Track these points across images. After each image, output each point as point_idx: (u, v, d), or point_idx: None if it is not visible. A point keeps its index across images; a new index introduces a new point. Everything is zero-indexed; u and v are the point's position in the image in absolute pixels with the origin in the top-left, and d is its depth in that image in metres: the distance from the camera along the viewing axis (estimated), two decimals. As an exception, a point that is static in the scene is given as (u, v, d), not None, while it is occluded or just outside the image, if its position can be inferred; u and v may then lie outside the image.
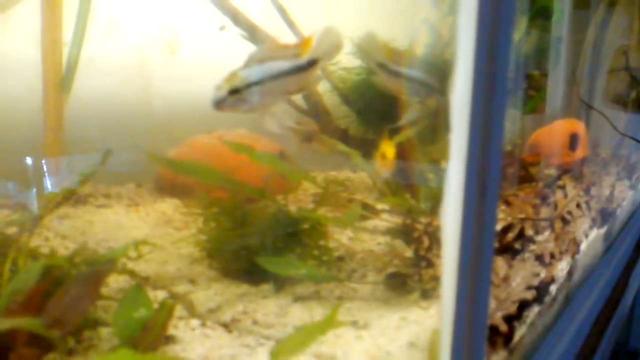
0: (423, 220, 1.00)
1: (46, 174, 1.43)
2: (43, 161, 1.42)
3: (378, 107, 1.54)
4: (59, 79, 1.50)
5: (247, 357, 0.84)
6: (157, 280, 1.11)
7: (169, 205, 1.54)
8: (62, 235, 1.29)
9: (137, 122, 1.75)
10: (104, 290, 1.01)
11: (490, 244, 0.75)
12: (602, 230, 1.75)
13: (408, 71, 1.19)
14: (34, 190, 1.28)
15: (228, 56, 1.76)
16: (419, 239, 0.98)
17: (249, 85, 0.95)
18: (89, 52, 1.60)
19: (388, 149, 1.04)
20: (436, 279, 0.97)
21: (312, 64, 1.01)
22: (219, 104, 0.97)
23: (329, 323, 0.66)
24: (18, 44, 1.49)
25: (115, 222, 1.40)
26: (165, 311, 0.76)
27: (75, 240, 1.27)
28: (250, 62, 0.97)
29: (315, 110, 1.57)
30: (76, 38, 1.49)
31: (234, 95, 0.95)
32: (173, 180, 1.62)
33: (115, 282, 1.06)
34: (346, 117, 1.62)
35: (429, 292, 0.99)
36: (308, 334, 0.67)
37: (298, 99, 1.67)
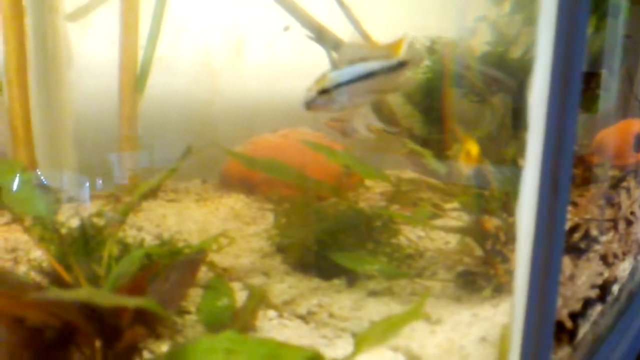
0: (496, 218, 1.01)
1: (124, 168, 1.51)
2: (121, 156, 1.49)
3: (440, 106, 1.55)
4: (134, 79, 1.57)
5: (325, 348, 0.87)
6: (233, 272, 1.15)
7: (234, 201, 1.58)
8: (137, 227, 1.35)
9: (204, 120, 1.81)
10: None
11: (561, 241, 0.77)
12: (669, 232, 1.71)
13: (486, 69, 1.21)
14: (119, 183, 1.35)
15: (293, 56, 1.81)
16: (496, 235, 0.99)
17: (338, 86, 0.99)
18: (159, 53, 1.67)
19: (472, 147, 1.05)
20: (510, 273, 0.98)
21: (402, 65, 1.03)
22: (309, 104, 1.00)
23: (414, 315, 0.68)
24: (97, 46, 1.57)
25: (187, 216, 1.45)
26: (255, 299, 0.80)
27: (150, 232, 1.32)
28: (341, 62, 1.00)
29: (380, 110, 1.59)
30: (150, 40, 1.56)
31: (324, 95, 0.98)
32: (238, 176, 1.67)
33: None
34: (411, 117, 1.63)
35: (502, 287, 1.00)
36: (391, 325, 0.69)
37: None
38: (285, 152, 1.60)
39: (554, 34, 0.67)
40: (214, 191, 1.70)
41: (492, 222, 1.01)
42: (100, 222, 0.99)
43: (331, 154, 1.13)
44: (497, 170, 1.13)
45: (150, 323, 0.70)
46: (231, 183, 1.71)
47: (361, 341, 0.70)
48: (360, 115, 1.02)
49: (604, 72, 1.61)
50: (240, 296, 1.05)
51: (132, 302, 0.57)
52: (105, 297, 0.59)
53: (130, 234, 1.30)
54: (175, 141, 1.60)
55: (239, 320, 0.78)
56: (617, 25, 1.59)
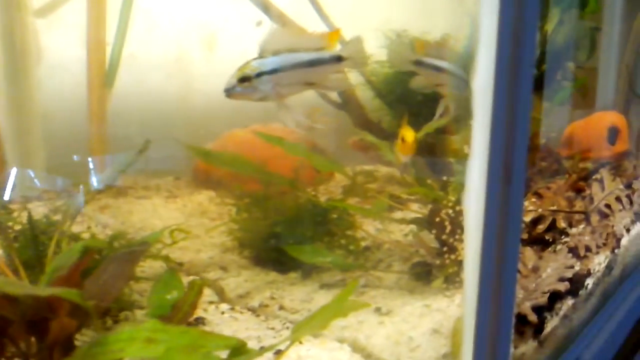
0: (449, 208, 1.01)
1: (91, 168, 1.51)
2: (87, 155, 1.50)
3: (411, 100, 1.55)
4: (103, 75, 1.57)
5: (271, 339, 0.88)
6: (191, 267, 1.16)
7: (205, 197, 1.59)
8: (103, 225, 1.35)
9: (175, 117, 1.81)
10: (140, 275, 1.07)
11: (517, 231, 0.75)
12: (646, 226, 1.70)
13: (447, 64, 1.19)
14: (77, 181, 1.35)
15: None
16: (441, 224, 0.99)
17: (261, 75, 0.96)
18: (130, 49, 1.67)
19: (407, 133, 1.05)
20: (458, 263, 0.98)
21: (336, 60, 1.01)
22: (228, 91, 0.98)
23: (342, 301, 0.69)
24: (64, 42, 1.57)
25: (153, 213, 1.46)
26: (194, 291, 0.81)
27: (115, 229, 1.33)
28: (265, 51, 0.97)
29: (349, 104, 1.59)
30: (118, 36, 1.56)
31: (244, 83, 0.96)
32: (209, 172, 1.67)
33: (151, 268, 1.12)
34: (379, 111, 1.63)
35: (451, 278, 1.00)
36: (326, 314, 0.69)
37: (332, 93, 1.70)
38: (255, 148, 1.60)
39: (499, 15, 0.65)
40: (185, 188, 1.70)
41: (444, 213, 1.01)
42: (55, 218, 1.00)
43: (287, 147, 1.13)
44: (458, 162, 1.13)
45: (86, 315, 0.70)
46: (203, 179, 1.72)
47: (296, 331, 0.71)
48: (284, 107, 1.00)
49: (570, 65, 1.61)
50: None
51: (45, 291, 0.58)
52: (18, 287, 0.59)
53: (94, 232, 1.31)
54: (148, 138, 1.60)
55: (179, 313, 0.78)
56: (584, 18, 1.59)
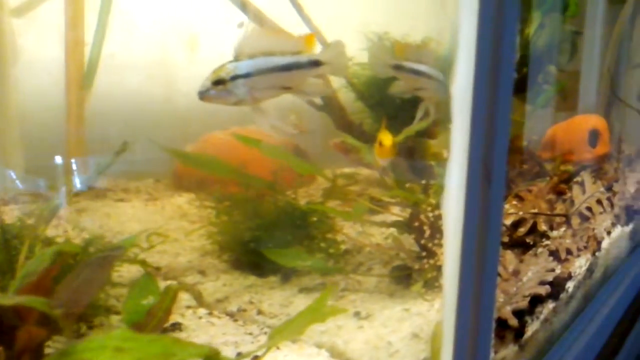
0: (429, 212, 1.01)
1: (74, 170, 1.49)
2: (65, 156, 1.47)
3: (392, 103, 1.55)
4: (81, 76, 1.54)
5: (249, 344, 0.86)
6: (169, 271, 1.14)
7: (185, 200, 1.57)
8: (80, 228, 1.33)
9: (156, 119, 1.79)
10: (117, 280, 1.05)
11: (497, 234, 0.74)
12: (628, 229, 1.71)
13: (427, 68, 1.19)
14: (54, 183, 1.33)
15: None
16: (421, 228, 0.99)
17: (236, 78, 0.95)
18: (110, 49, 1.65)
19: (385, 137, 1.05)
20: (438, 268, 0.98)
21: (314, 64, 1.00)
22: (202, 94, 0.96)
23: (320, 306, 0.68)
24: (42, 42, 1.55)
25: (132, 216, 1.44)
26: (169, 297, 0.79)
27: (92, 233, 1.31)
28: (241, 54, 0.96)
29: (330, 106, 1.58)
30: (97, 36, 1.54)
31: (219, 86, 0.95)
32: (189, 175, 1.66)
33: (128, 273, 1.10)
34: (360, 113, 1.63)
35: (430, 282, 1.00)
36: (304, 319, 0.69)
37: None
38: (235, 150, 1.59)
39: (478, 17, 0.64)
40: (165, 190, 1.68)
41: (423, 217, 1.00)
42: (29, 221, 0.97)
43: (266, 150, 1.12)
44: (438, 165, 1.13)
45: (57, 324, 0.69)
46: (183, 182, 1.70)
47: (273, 336, 0.70)
48: (259, 111, 0.99)
49: (551, 68, 1.62)
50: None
51: (9, 300, 0.56)
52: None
53: (70, 235, 1.29)
54: (128, 140, 1.58)
55: (153, 319, 0.77)
56: (565, 22, 1.60)
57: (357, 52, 1.68)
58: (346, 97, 1.68)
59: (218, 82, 0.95)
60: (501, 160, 0.71)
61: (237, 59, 0.96)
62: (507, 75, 0.68)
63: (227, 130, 1.69)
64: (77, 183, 1.52)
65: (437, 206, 1.04)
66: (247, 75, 0.95)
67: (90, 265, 0.75)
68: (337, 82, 1.68)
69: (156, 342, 0.58)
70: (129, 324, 0.85)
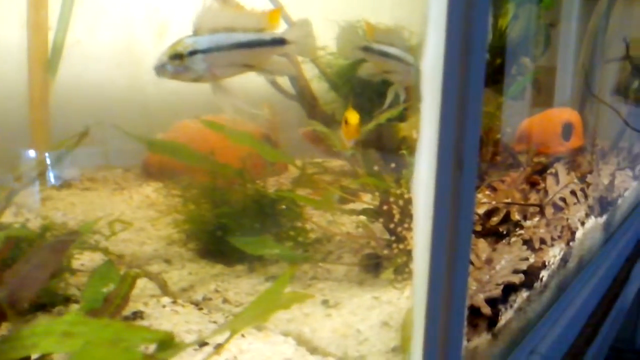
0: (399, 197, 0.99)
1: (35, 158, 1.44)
2: (29, 144, 1.43)
3: (365, 92, 1.53)
4: (45, 62, 1.50)
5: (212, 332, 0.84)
6: (134, 260, 1.11)
7: (153, 189, 1.53)
8: (43, 217, 1.29)
9: (125, 107, 1.75)
10: (79, 269, 1.01)
11: (469, 221, 0.72)
12: (602, 220, 1.71)
13: (396, 50, 1.17)
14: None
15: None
16: (389, 212, 0.96)
17: (194, 53, 0.91)
18: (76, 35, 1.60)
19: (351, 115, 1.02)
20: (408, 252, 0.96)
21: (278, 42, 0.97)
22: (158, 70, 0.92)
23: (279, 291, 0.66)
24: (3, 25, 1.49)
25: (98, 205, 1.40)
26: (127, 283, 0.76)
27: (55, 221, 1.26)
28: (200, 29, 0.92)
29: (303, 96, 1.56)
30: (61, 22, 1.49)
31: (175, 61, 0.91)
32: (159, 164, 1.62)
33: (92, 261, 1.07)
34: (333, 103, 1.61)
35: (400, 268, 0.98)
36: (263, 305, 0.66)
37: (286, 84, 1.66)
38: (206, 139, 1.56)
39: None
40: (134, 180, 1.64)
41: (392, 201, 0.98)
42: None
43: (234, 136, 1.09)
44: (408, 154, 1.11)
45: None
46: (152, 171, 1.66)
47: (232, 324, 0.67)
48: (220, 90, 0.95)
49: (525, 59, 1.61)
50: (139, 284, 1.01)
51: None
52: None
53: (32, 225, 1.25)
54: (94, 129, 1.54)
55: (110, 306, 0.74)
56: (539, 13, 1.60)
57: (329, 41, 1.66)
58: (319, 86, 1.66)
59: (175, 57, 0.91)
60: (473, 142, 0.68)
61: (196, 34, 0.92)
62: (479, 55, 0.65)
63: (198, 119, 1.66)
64: (51, 177, 1.49)
65: (408, 191, 1.02)
66: (206, 51, 0.91)
67: (41, 251, 0.71)
68: (310, 72, 1.66)
69: (107, 327, 0.55)
70: (88, 312, 0.82)
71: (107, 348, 0.51)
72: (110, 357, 0.49)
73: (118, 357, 0.49)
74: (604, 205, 1.78)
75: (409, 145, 1.01)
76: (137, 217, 1.33)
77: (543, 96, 1.92)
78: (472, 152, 0.68)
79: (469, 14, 0.63)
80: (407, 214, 0.97)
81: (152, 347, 0.57)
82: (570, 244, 1.42)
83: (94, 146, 1.66)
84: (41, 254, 0.70)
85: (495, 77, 1.64)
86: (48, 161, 1.45)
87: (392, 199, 0.98)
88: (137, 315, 0.88)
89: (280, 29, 1.00)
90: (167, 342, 0.55)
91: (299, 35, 0.97)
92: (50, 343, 0.52)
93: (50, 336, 0.53)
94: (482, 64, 0.66)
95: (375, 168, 1.05)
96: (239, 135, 1.11)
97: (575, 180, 1.68)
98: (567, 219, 1.48)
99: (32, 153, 1.43)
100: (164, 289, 0.99)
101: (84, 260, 1.06)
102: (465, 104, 0.65)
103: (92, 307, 0.81)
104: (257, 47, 0.94)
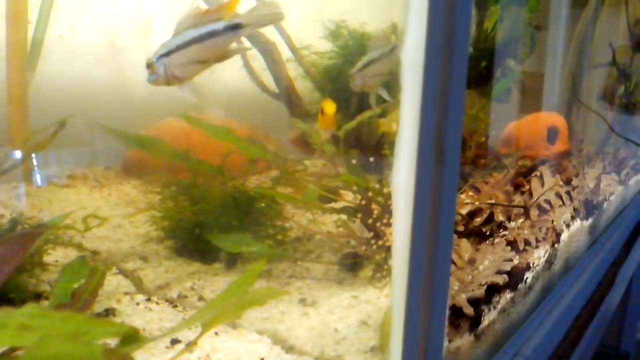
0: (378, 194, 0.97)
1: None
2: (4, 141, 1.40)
3: (349, 92, 1.52)
4: (24, 57, 1.47)
5: (185, 330, 0.81)
6: (109, 256, 1.08)
7: (133, 186, 1.51)
8: (19, 213, 1.26)
9: (107, 105, 1.72)
10: (52, 265, 0.99)
11: (450, 218, 0.70)
12: (587, 223, 1.71)
13: (376, 53, 1.16)
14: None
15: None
16: (368, 208, 0.95)
17: (159, 58, 0.90)
18: (58, 30, 1.58)
19: (327, 105, 1.01)
20: (387, 249, 0.94)
21: (231, 29, 0.94)
22: (148, 79, 0.93)
23: (245, 284, 0.64)
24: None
25: (75, 202, 1.37)
26: (96, 278, 0.74)
27: (31, 218, 1.24)
28: (177, 33, 0.92)
29: (286, 95, 1.55)
30: (42, 15, 1.46)
31: (149, 69, 0.91)
32: (140, 161, 1.60)
33: (66, 258, 1.04)
34: (318, 103, 1.59)
35: (380, 266, 0.96)
36: (230, 299, 0.64)
37: (270, 83, 1.65)
38: (189, 135, 1.54)
39: None
40: (115, 177, 1.62)
41: (371, 196, 0.96)
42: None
43: (215, 134, 1.07)
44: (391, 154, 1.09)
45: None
46: (133, 168, 1.64)
47: (198, 318, 0.65)
48: (186, 91, 0.94)
49: (511, 62, 1.61)
50: (113, 281, 0.99)
51: None
52: None
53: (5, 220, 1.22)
54: (74, 125, 1.52)
55: (78, 301, 0.71)
56: (524, 16, 1.59)
57: (315, 40, 1.65)
58: (303, 86, 1.64)
59: (148, 65, 0.91)
60: (455, 135, 0.66)
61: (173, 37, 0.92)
62: (462, 44, 0.63)
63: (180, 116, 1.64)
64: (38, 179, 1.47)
65: (387, 185, 1.00)
66: (166, 54, 0.91)
67: (7, 243, 0.69)
68: (294, 71, 1.65)
69: (68, 320, 0.52)
70: (55, 307, 0.80)
71: (66, 341, 0.49)
72: (68, 350, 0.47)
73: (77, 350, 0.47)
74: (590, 208, 1.78)
75: (391, 142, 1.00)
76: (114, 214, 1.30)
77: (529, 100, 1.92)
78: (454, 145, 0.66)
79: (451, 2, 0.62)
80: (386, 210, 0.95)
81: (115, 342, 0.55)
82: (555, 245, 1.41)
83: (76, 145, 1.64)
84: (6, 247, 0.68)
85: (480, 79, 1.64)
86: (32, 160, 1.43)
87: (371, 195, 0.96)
88: (109, 312, 0.86)
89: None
90: (131, 336, 0.53)
91: (257, 15, 0.95)
92: (5, 336, 0.50)
93: (6, 329, 0.51)
94: (465, 54, 0.64)
95: (354, 162, 1.04)
96: (220, 132, 1.09)
97: (561, 183, 1.68)
98: (552, 221, 1.47)
99: (9, 150, 1.41)
100: (139, 287, 0.97)
101: (58, 256, 1.04)
102: (447, 96, 0.63)
103: (62, 303, 0.79)
104: (209, 39, 0.92)
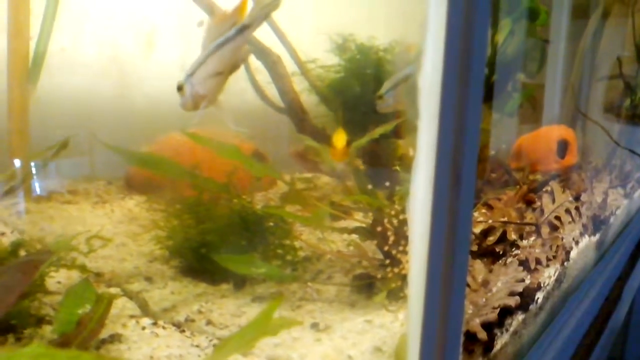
0: (392, 217, 0.94)
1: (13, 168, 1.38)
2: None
3: (356, 106, 1.49)
4: (25, 70, 1.44)
5: (195, 358, 0.78)
6: (113, 277, 1.05)
7: (136, 203, 1.48)
8: (20, 231, 1.23)
9: (110, 119, 1.69)
10: (54, 287, 0.95)
11: (466, 240, 0.68)
12: (595, 238, 1.69)
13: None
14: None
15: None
16: (384, 234, 0.92)
17: (187, 77, 0.87)
18: (60, 43, 1.55)
19: (338, 137, 0.98)
20: (403, 277, 0.91)
21: (239, 32, 0.90)
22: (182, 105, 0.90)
23: (267, 319, 0.61)
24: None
25: (78, 219, 1.34)
26: (103, 305, 0.71)
27: (33, 236, 1.20)
28: (205, 47, 0.89)
29: (292, 109, 1.52)
30: (44, 29, 1.44)
31: (180, 92, 0.88)
32: (143, 177, 1.56)
33: (68, 279, 1.01)
34: (323, 117, 1.56)
35: (394, 292, 0.93)
36: (252, 332, 0.61)
37: (275, 97, 1.62)
38: (192, 151, 1.51)
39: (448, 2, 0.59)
40: (117, 193, 1.58)
41: (387, 222, 0.94)
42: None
43: (219, 150, 1.04)
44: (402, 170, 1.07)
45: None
46: (136, 184, 1.61)
47: (219, 350, 0.62)
48: (221, 110, 0.91)
49: (521, 76, 1.59)
50: (118, 303, 0.96)
51: None
52: None
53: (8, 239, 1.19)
54: (77, 140, 1.49)
55: (84, 330, 0.68)
56: (535, 30, 1.57)
57: (322, 54, 1.63)
58: (309, 100, 1.62)
59: (179, 88, 0.88)
60: (471, 160, 0.64)
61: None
62: (478, 67, 0.62)
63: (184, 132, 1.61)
64: (37, 188, 1.43)
65: (402, 211, 0.98)
66: (192, 73, 0.88)
67: (9, 272, 0.65)
68: (300, 85, 1.62)
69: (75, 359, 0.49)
70: (61, 335, 0.76)
71: (73, 382, 0.45)
72: (75, 392, 0.44)
73: (84, 392, 0.44)
74: (597, 223, 1.76)
75: (404, 162, 0.97)
76: (118, 232, 1.27)
77: (538, 114, 1.90)
78: (470, 170, 0.64)
79: (468, 27, 0.60)
80: (402, 235, 0.92)
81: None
82: (565, 264, 1.39)
83: (77, 157, 1.61)
84: (9, 275, 0.65)
85: (490, 93, 1.61)
86: (32, 171, 1.40)
87: (386, 219, 0.93)
88: (115, 338, 0.82)
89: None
90: (141, 374, 0.50)
91: (257, 12, 0.92)
92: (9, 376, 0.47)
93: (9, 369, 0.47)
94: (481, 79, 0.63)
95: (369, 187, 1.01)
96: (225, 148, 1.06)
97: (570, 199, 1.65)
98: (562, 239, 1.45)
99: (10, 163, 1.38)
100: (145, 309, 0.94)
101: (61, 277, 1.00)
102: (464, 120, 0.62)
103: (65, 331, 0.76)
104: (225, 46, 0.89)
